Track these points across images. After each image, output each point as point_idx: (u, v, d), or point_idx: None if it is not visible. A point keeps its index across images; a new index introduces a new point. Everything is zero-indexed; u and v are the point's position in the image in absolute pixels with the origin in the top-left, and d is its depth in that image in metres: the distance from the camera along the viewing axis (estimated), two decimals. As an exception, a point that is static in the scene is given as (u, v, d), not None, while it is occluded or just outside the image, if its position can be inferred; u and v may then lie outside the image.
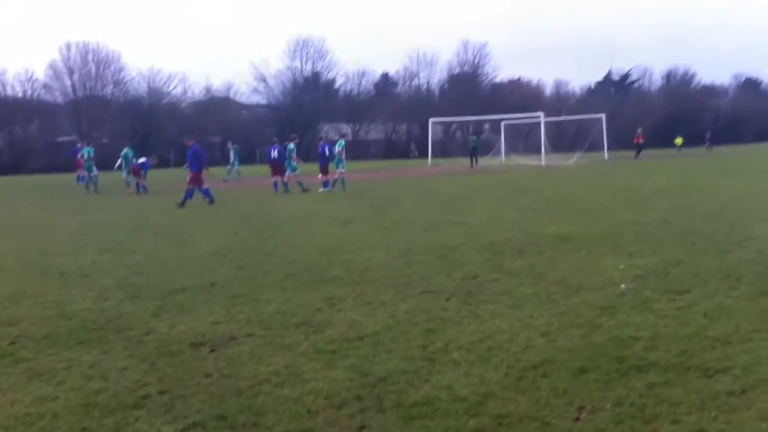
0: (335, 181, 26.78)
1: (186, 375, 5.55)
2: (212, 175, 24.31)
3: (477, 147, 48.13)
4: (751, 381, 4.95)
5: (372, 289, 8.41)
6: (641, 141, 52.05)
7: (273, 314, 7.36)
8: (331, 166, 27.08)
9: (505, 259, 9.94)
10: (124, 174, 31.09)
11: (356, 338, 6.39)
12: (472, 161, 45.84)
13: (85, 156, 32.21)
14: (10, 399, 5.15)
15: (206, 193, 22.03)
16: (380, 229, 13.88)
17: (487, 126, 78.89)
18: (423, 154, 59.06)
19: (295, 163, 27.50)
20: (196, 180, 22.20)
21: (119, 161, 31.65)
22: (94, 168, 31.87)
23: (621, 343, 5.94)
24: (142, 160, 29.62)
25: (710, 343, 5.82)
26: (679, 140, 62.03)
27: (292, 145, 27.75)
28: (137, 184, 28.91)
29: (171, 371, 5.65)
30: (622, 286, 7.99)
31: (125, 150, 31.38)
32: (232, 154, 37.86)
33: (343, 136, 30.43)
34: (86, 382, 5.44)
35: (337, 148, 27.01)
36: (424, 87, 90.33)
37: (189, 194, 21.50)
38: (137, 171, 28.98)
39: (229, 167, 37.68)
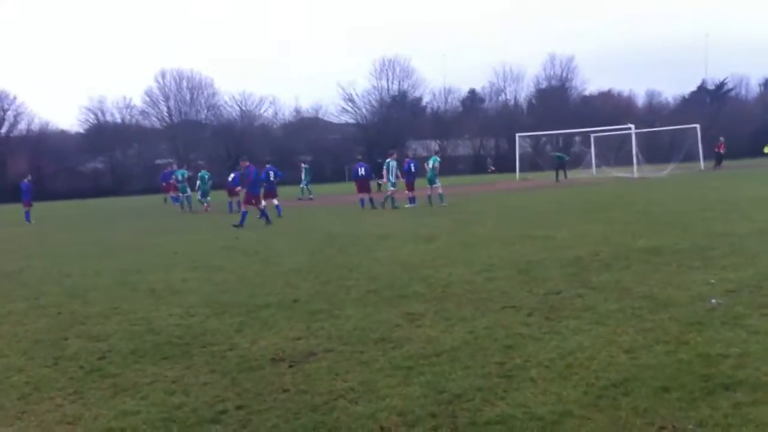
0: (429, 196, 26.78)
1: (264, 390, 5.63)
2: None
3: (563, 163, 47.13)
4: None
5: (452, 304, 8.35)
6: (722, 151, 49.97)
7: (352, 330, 7.39)
8: (422, 181, 27.19)
9: (590, 274, 9.71)
10: (198, 195, 32.85)
11: (433, 354, 6.35)
12: (557, 175, 45.06)
13: (179, 178, 33.43)
14: (94, 413, 5.33)
15: (262, 213, 22.19)
16: (463, 244, 13.78)
17: (577, 139, 77.49)
18: (503, 168, 58.36)
19: (394, 179, 27.55)
20: (251, 200, 22.44)
21: (197, 183, 33.01)
22: (188, 189, 33.47)
23: (708, 360, 5.70)
24: (231, 176, 30.32)
25: (804, 360, 5.52)
26: (767, 148, 58.34)
27: (393, 162, 27.86)
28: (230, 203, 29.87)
29: (250, 386, 5.75)
30: (713, 300, 7.68)
31: (202, 172, 32.77)
32: (303, 173, 38.36)
33: (436, 153, 30.50)
34: (168, 397, 5.59)
35: (432, 164, 27.13)
36: (512, 102, 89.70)
37: (244, 214, 21.89)
38: (232, 189, 29.79)
39: (301, 185, 38.22)
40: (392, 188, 27.27)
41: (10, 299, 10.43)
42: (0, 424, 5.23)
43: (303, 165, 39.68)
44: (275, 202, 26.30)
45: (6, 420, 5.31)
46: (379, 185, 44.19)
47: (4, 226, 29.60)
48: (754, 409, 4.66)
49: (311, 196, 37.38)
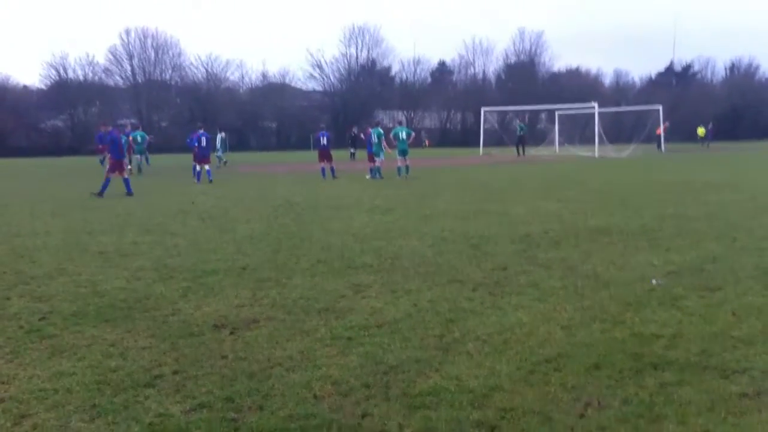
0: (399, 168, 26.42)
1: (202, 356, 5.64)
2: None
3: (524, 135, 47.41)
4: (768, 383, 4.81)
5: (400, 277, 8.41)
6: (660, 133, 50.90)
7: (297, 299, 7.41)
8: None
9: (539, 251, 9.83)
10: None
11: (375, 326, 6.40)
12: (518, 150, 45.41)
13: (139, 139, 33.07)
14: (29, 373, 5.30)
15: (126, 183, 20.93)
16: (419, 217, 13.85)
17: (543, 116, 78.12)
18: (439, 143, 57.85)
19: (382, 149, 27.00)
20: (116, 168, 21.22)
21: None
22: (146, 151, 33.91)
23: (641, 339, 5.83)
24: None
25: (733, 342, 5.68)
26: (701, 131, 58.60)
27: (380, 131, 27.39)
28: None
29: (188, 352, 5.75)
30: (653, 281, 7.83)
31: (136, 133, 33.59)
32: (218, 141, 37.89)
33: (377, 124, 29.63)
34: (105, 360, 5.57)
35: (373, 138, 26.81)
36: (480, 75, 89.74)
37: (106, 183, 20.56)
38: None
39: (217, 154, 37.73)
40: (381, 159, 26.80)
41: (-45, 257, 10.26)
42: (-69, 383, 5.17)
43: (219, 132, 38.99)
44: (207, 167, 26.33)
45: (-63, 378, 5.26)
46: (353, 155, 44.10)
47: (-43, 182, 29.03)
48: (679, 389, 4.78)
49: (225, 161, 36.91)
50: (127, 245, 11.02)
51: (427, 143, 66.96)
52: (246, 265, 9.27)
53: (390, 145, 27.25)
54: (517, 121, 56.27)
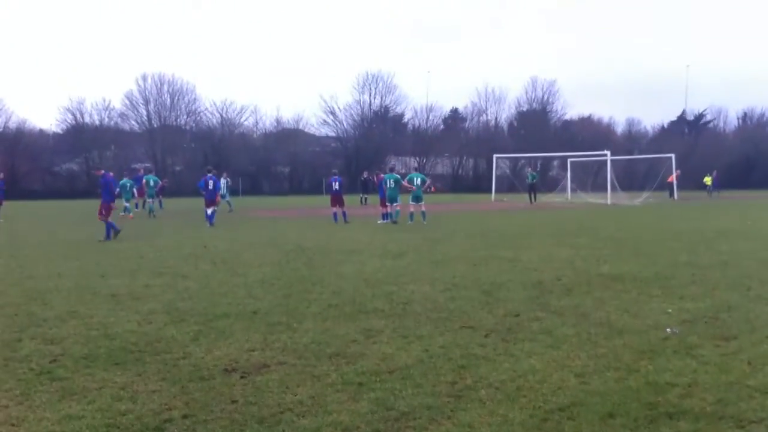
0: (412, 213, 26.32)
1: (212, 400, 5.60)
2: (117, 209, 23.91)
3: (535, 183, 47.57)
4: (786, 434, 4.73)
5: (411, 322, 8.37)
6: (672, 181, 50.90)
7: (308, 344, 7.38)
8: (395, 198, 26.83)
9: (551, 298, 9.78)
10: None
11: (386, 371, 6.35)
12: (530, 197, 45.58)
13: (151, 183, 33.51)
14: (39, 416, 5.28)
15: (109, 227, 20.34)
16: (430, 262, 13.83)
17: (555, 163, 78.25)
18: (451, 188, 57.56)
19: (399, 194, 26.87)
20: (106, 211, 20.55)
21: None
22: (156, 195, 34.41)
23: (656, 388, 5.76)
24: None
25: (749, 392, 5.61)
26: (708, 180, 57.65)
27: (397, 176, 27.33)
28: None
29: (198, 396, 5.71)
30: (668, 329, 7.76)
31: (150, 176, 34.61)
32: (223, 185, 37.72)
33: (391, 170, 29.44)
34: (114, 403, 5.54)
35: (390, 183, 26.74)
36: (492, 123, 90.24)
37: (108, 226, 20.28)
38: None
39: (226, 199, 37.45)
40: (398, 203, 26.67)
41: (-32, 298, 10.30)
42: (-60, 424, 5.16)
43: (224, 177, 38.94)
44: (209, 211, 26.46)
45: (-53, 420, 5.24)
46: (364, 200, 44.21)
47: (-28, 224, 29.22)
48: (695, 438, 4.71)
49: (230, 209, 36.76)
50: (138, 288, 11.03)
51: (432, 189, 66.90)
52: (257, 309, 9.26)
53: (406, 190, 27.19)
54: (528, 169, 56.43)
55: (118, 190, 32.16)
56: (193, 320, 8.58)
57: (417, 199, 26.47)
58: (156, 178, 35.00)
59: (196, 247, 17.41)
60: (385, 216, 26.72)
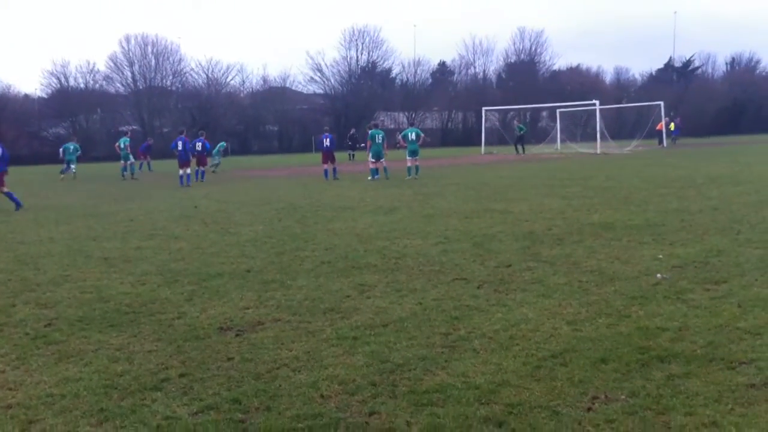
0: (408, 168, 26.30)
1: (208, 359, 5.65)
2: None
3: (524, 135, 47.54)
4: (775, 374, 4.81)
5: (404, 276, 8.42)
6: (661, 129, 50.70)
7: (302, 300, 7.42)
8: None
9: (543, 248, 9.83)
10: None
11: (380, 325, 6.41)
12: (517, 149, 45.70)
13: (122, 146, 33.37)
14: (36, 379, 5.31)
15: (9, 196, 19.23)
16: (422, 217, 13.85)
17: (544, 114, 77.99)
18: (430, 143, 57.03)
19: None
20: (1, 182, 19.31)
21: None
22: (131, 156, 34.15)
23: (647, 333, 5.83)
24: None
25: (739, 334, 5.68)
26: (671, 125, 53.11)
27: (380, 131, 27.28)
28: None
29: (195, 355, 5.76)
30: (658, 275, 7.84)
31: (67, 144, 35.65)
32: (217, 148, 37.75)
33: (375, 126, 29.06)
34: (111, 364, 5.58)
35: (377, 139, 26.60)
36: (481, 75, 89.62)
37: (9, 196, 19.11)
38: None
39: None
40: (382, 159, 26.61)
41: (-40, 265, 10.28)
42: (-62, 390, 5.19)
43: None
44: (188, 171, 27.05)
45: (-55, 386, 5.27)
46: (352, 156, 44.13)
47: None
48: (686, 381, 4.78)
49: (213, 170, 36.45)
50: (131, 251, 11.03)
51: (402, 144, 65.60)
52: (250, 267, 9.29)
53: (398, 145, 27.08)
54: (516, 121, 56.20)
55: (62, 151, 34.63)
56: (186, 281, 8.60)
57: (413, 153, 26.44)
58: (76, 145, 35.81)
59: (187, 209, 17.38)
60: (375, 172, 26.60)
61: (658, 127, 51.61)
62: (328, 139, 27.57)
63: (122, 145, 33.59)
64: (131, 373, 5.37)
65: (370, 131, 27.69)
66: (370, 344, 5.85)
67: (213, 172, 34.55)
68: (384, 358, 5.48)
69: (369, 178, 26.28)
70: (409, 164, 26.26)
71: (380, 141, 26.55)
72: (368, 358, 5.50)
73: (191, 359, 5.65)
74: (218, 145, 38.30)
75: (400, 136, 27.02)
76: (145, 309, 7.32)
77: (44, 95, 76.02)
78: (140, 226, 14.15)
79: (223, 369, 5.40)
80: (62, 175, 34.36)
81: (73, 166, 34.84)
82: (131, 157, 34.02)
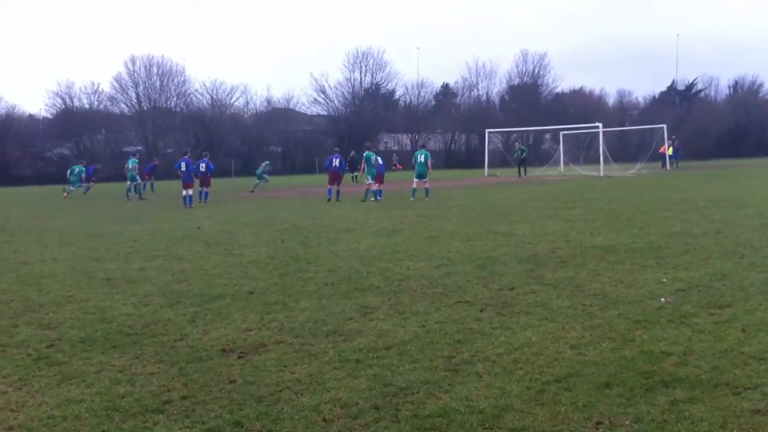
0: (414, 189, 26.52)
1: (211, 381, 5.63)
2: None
3: (525, 157, 47.73)
4: (781, 399, 4.78)
5: (407, 298, 8.41)
6: (664, 152, 50.80)
7: (305, 322, 7.41)
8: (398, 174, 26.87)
9: (546, 271, 9.82)
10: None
11: (383, 348, 6.39)
12: (519, 171, 45.83)
13: (129, 166, 33.55)
14: (38, 401, 5.29)
15: None
16: (425, 238, 13.85)
17: (547, 136, 78.17)
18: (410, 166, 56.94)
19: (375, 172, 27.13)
20: None
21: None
22: (137, 177, 34.35)
23: (652, 357, 5.80)
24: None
25: (744, 359, 5.65)
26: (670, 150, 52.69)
27: (371, 153, 27.57)
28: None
29: (197, 377, 5.74)
30: (662, 299, 7.81)
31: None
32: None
33: (367, 148, 29.36)
34: (113, 386, 5.56)
35: (373, 160, 26.97)
36: (484, 97, 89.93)
37: None
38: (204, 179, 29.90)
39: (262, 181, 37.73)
40: (371, 180, 26.83)
41: (-37, 285, 10.28)
42: (-60, 411, 5.17)
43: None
44: (190, 192, 26.97)
45: (-54, 407, 5.25)
46: (355, 177, 44.19)
47: (-36, 211, 29.11)
48: (690, 406, 4.76)
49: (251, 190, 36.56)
50: (134, 271, 11.03)
51: (398, 167, 65.12)
52: (253, 289, 9.28)
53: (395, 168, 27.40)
54: (517, 144, 56.33)
55: (69, 173, 35.57)
56: (189, 302, 8.59)
57: (420, 176, 26.56)
58: (134, 160, 35.27)
59: (190, 229, 17.39)
60: (375, 192, 26.59)
61: (661, 150, 51.66)
62: (337, 160, 27.63)
63: (130, 166, 33.82)
64: (133, 395, 5.35)
65: (364, 153, 27.90)
66: (372, 367, 5.83)
67: (252, 191, 34.94)
68: (387, 382, 5.46)
69: (372, 199, 26.26)
70: (414, 186, 26.38)
71: (373, 162, 26.78)
72: (371, 382, 5.48)
73: (193, 381, 5.63)
74: (263, 163, 38.75)
75: (412, 159, 27.26)
76: (148, 330, 7.30)
77: (49, 116, 76.42)
78: (143, 246, 14.16)
79: (225, 391, 5.38)
80: (66, 194, 35.24)
81: (73, 188, 35.96)
82: (137, 178, 34.17)
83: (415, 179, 26.55)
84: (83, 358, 6.36)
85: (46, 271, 11.31)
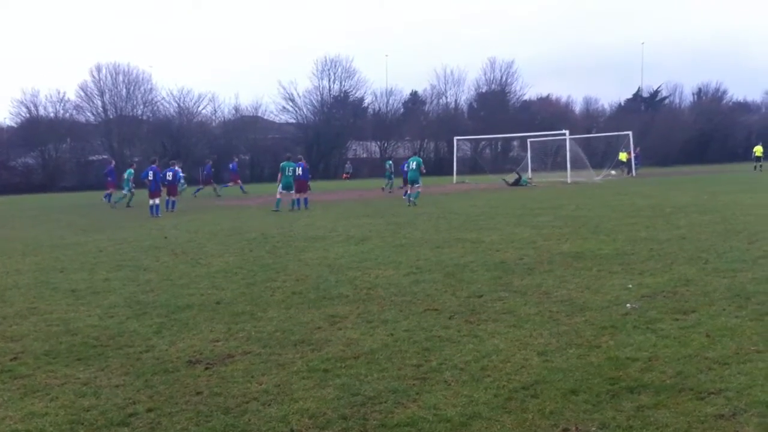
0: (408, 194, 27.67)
1: (177, 393, 5.58)
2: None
3: (392, 172, 41.38)
4: (744, 404, 4.85)
5: (376, 307, 8.40)
6: (623, 159, 51.72)
7: (273, 332, 7.38)
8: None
9: (514, 278, 9.88)
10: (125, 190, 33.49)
11: (352, 357, 6.38)
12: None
13: (125, 176, 33.28)
14: (1, 414, 5.22)
15: None
16: (394, 246, 13.85)
17: (515, 143, 78.71)
18: (360, 174, 55.95)
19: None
20: None
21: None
22: (128, 186, 33.53)
23: (617, 363, 5.86)
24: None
25: (708, 364, 5.73)
26: (623, 156, 53.22)
27: (419, 158, 29.31)
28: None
29: (163, 389, 5.68)
30: (628, 305, 7.90)
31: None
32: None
33: (414, 153, 30.88)
34: (78, 399, 5.49)
35: (412, 165, 28.67)
36: (452, 105, 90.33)
37: None
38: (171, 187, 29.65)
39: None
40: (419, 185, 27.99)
41: (-77, 298, 10.08)
42: None
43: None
44: (157, 201, 26.63)
45: None
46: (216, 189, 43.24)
47: (-75, 222, 28.52)
48: (656, 411, 4.81)
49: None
50: (99, 282, 10.90)
51: (346, 175, 64.16)
52: (220, 299, 9.22)
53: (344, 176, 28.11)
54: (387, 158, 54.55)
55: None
56: (155, 313, 8.50)
57: (412, 182, 27.87)
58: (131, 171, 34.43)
59: (157, 239, 17.22)
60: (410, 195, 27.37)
61: (627, 157, 52.23)
62: (300, 168, 27.57)
63: (126, 177, 33.44)
64: (98, 408, 5.28)
65: (281, 164, 28.25)
66: (341, 377, 5.82)
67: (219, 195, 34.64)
68: (355, 391, 5.45)
69: (273, 208, 26.10)
70: (408, 191, 27.76)
71: (290, 173, 26.94)
72: (339, 391, 5.47)
73: (159, 393, 5.57)
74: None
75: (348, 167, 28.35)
76: (113, 342, 7.22)
77: (13, 124, 75.19)
78: (108, 257, 13.98)
79: (191, 403, 5.33)
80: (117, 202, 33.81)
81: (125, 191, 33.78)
82: (130, 188, 33.36)
83: (408, 185, 28.08)
84: (47, 371, 6.27)
85: (10, 283, 11.13)
